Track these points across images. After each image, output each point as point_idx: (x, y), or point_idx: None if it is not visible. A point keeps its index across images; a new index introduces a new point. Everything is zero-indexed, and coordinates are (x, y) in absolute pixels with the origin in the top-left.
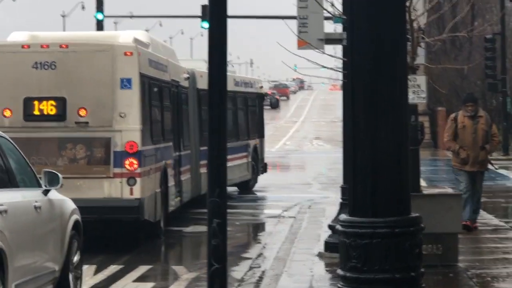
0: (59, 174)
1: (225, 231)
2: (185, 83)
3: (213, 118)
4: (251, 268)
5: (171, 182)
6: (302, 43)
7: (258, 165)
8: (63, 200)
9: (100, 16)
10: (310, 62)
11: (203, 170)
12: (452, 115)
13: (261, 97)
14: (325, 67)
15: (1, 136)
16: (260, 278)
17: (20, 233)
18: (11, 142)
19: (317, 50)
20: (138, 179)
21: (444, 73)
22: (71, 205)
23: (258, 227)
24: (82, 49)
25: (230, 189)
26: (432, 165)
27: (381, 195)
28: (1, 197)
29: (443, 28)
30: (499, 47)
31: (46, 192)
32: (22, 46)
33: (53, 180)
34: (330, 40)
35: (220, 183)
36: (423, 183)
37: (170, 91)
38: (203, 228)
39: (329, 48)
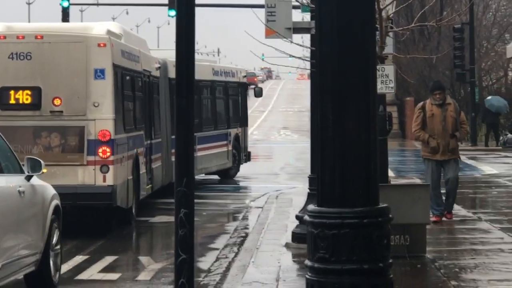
0: (41, 161)
1: (193, 221)
2: (156, 73)
3: (180, 107)
4: (218, 258)
5: (143, 170)
6: (270, 32)
7: (241, 154)
8: (44, 185)
9: (65, 4)
10: (278, 51)
11: (174, 158)
12: (420, 104)
13: (244, 86)
14: (293, 56)
15: None
16: (227, 269)
17: (6, 216)
18: None
19: (285, 39)
20: (111, 167)
21: (413, 63)
22: (52, 191)
23: (225, 217)
24: (57, 40)
25: (207, 177)
26: (400, 155)
27: (349, 185)
28: None
29: (411, 18)
30: (468, 37)
31: (28, 178)
32: None
33: (35, 167)
34: (298, 29)
35: (187, 172)
36: (391, 173)
37: (142, 80)
38: (169, 218)
39: (297, 37)
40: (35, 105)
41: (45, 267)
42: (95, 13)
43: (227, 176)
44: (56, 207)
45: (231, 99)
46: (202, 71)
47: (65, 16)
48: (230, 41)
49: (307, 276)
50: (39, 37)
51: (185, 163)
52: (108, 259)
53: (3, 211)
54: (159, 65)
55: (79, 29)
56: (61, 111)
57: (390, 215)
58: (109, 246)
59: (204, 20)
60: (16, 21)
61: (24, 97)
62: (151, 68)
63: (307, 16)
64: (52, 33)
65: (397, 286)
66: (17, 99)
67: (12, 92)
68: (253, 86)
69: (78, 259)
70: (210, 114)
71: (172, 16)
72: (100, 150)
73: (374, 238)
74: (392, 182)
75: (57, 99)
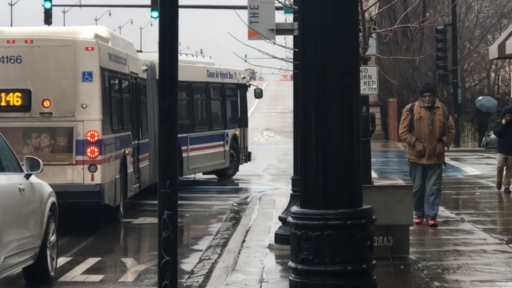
0: (40, 160)
1: (176, 223)
2: (144, 75)
3: (162, 109)
4: (201, 260)
5: (130, 169)
6: (253, 33)
7: (240, 154)
8: (42, 184)
9: (48, 5)
10: (261, 52)
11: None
12: (408, 106)
13: (243, 87)
14: (276, 57)
15: None
16: (210, 271)
17: (8, 212)
18: None
19: (268, 41)
20: (98, 166)
21: (396, 64)
22: (48, 189)
23: (208, 219)
24: (46, 44)
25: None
26: (383, 156)
27: (332, 187)
28: None
29: (394, 19)
30: (450, 38)
31: (27, 176)
32: None
33: (33, 166)
34: (281, 30)
35: (171, 174)
36: (374, 174)
37: (129, 82)
38: (153, 220)
39: (280, 39)
40: (25, 107)
41: (43, 260)
42: (78, 14)
43: (225, 175)
44: (53, 204)
45: (229, 100)
46: (195, 72)
47: (48, 17)
48: (213, 42)
49: (290, 277)
50: (28, 41)
51: (168, 165)
52: (91, 261)
53: (5, 207)
54: (146, 67)
55: (67, 33)
56: (51, 113)
57: (374, 217)
58: (92, 248)
59: (187, 21)
60: (1, 19)
61: (15, 99)
62: (139, 70)
63: (290, 18)
64: (42, 37)
65: (380, 287)
66: (7, 101)
67: (2, 94)
68: (253, 88)
69: (61, 260)
70: (204, 115)
71: (155, 18)
72: (89, 150)
73: (358, 239)
74: (375, 183)
75: (47, 101)
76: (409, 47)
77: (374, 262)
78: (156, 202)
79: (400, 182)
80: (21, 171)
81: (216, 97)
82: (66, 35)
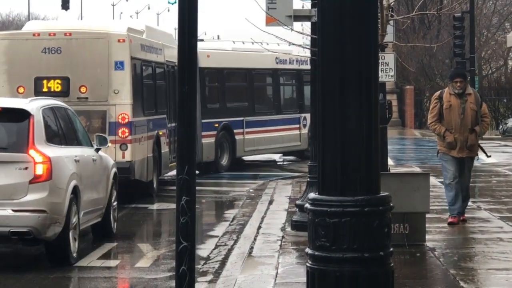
0: (107, 137)
1: (194, 209)
2: None
3: (181, 95)
4: (217, 246)
5: (165, 149)
6: (271, 20)
7: None
8: (107, 157)
9: None
10: (279, 39)
11: (204, 140)
12: (437, 93)
13: None
14: (293, 44)
15: (68, 108)
16: (226, 257)
17: (86, 178)
18: (73, 112)
19: (285, 27)
20: (129, 145)
21: (413, 52)
22: (111, 161)
23: (225, 205)
24: (83, 37)
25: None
26: (399, 144)
27: (350, 174)
28: (75, 151)
29: (411, 6)
30: (468, 25)
31: (97, 150)
32: (33, 34)
33: (101, 142)
34: (299, 17)
35: (189, 160)
36: (390, 162)
37: (165, 70)
38: (168, 205)
39: (297, 25)
40: (64, 92)
41: (107, 219)
42: (95, 0)
43: (303, 157)
44: (115, 173)
45: (307, 86)
46: (260, 60)
47: (65, 3)
48: (231, 29)
49: (307, 264)
50: (68, 34)
51: (187, 150)
52: (108, 246)
53: (84, 174)
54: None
55: (103, 27)
56: (87, 98)
57: (391, 204)
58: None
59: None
60: (18, 5)
61: (55, 85)
62: (176, 59)
63: (307, 4)
64: (79, 31)
65: (396, 275)
66: (49, 88)
67: (45, 81)
68: None
69: (77, 245)
70: (271, 99)
71: (172, 3)
72: (120, 131)
73: (375, 226)
74: (391, 171)
75: (83, 87)
76: (426, 34)
77: (391, 249)
78: (172, 187)
79: (417, 169)
80: (92, 146)
81: (289, 82)
82: (101, 29)
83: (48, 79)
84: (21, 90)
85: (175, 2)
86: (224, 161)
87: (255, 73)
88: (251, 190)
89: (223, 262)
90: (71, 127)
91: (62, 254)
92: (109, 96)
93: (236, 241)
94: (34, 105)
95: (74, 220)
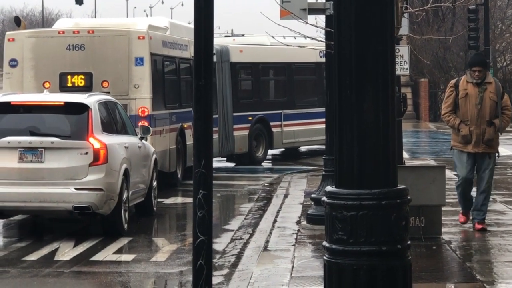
0: (150, 127)
1: (211, 203)
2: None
3: (197, 89)
4: (232, 240)
5: (190, 141)
6: (285, 13)
7: None
8: (149, 145)
9: None
10: (293, 32)
11: (236, 132)
12: (453, 81)
13: None
14: (308, 37)
15: (117, 102)
16: (242, 250)
17: (133, 162)
18: (121, 106)
19: (300, 20)
20: (148, 137)
21: (427, 44)
22: (152, 149)
23: (240, 199)
24: (105, 34)
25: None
26: (414, 136)
27: (367, 167)
28: (125, 139)
29: None
30: (482, 18)
31: (141, 139)
32: (58, 32)
33: (145, 131)
34: (313, 10)
35: (206, 154)
36: (405, 155)
37: (191, 66)
38: (183, 200)
39: (311, 18)
40: (88, 87)
41: (149, 198)
42: None
43: None
44: (155, 160)
45: None
46: (305, 54)
47: None
48: (244, 23)
49: (324, 257)
50: (90, 31)
51: (204, 144)
52: (123, 240)
53: (132, 159)
54: (213, 52)
55: (124, 24)
56: (108, 92)
57: (408, 197)
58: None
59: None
60: (30, 2)
61: (79, 80)
62: None
63: None
64: (101, 28)
65: (413, 268)
66: (73, 82)
67: (69, 76)
68: None
69: (92, 240)
70: (312, 93)
71: None
72: (140, 123)
73: (393, 219)
74: (406, 164)
75: (105, 82)
76: (440, 27)
77: (409, 242)
78: (187, 182)
79: (432, 162)
80: (136, 134)
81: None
82: (122, 26)
83: (72, 74)
84: (47, 85)
85: None
86: (260, 153)
87: (295, 67)
88: (266, 184)
89: (238, 256)
90: (120, 118)
91: (115, 226)
92: (130, 91)
93: (251, 235)
94: (92, 100)
95: (124, 198)
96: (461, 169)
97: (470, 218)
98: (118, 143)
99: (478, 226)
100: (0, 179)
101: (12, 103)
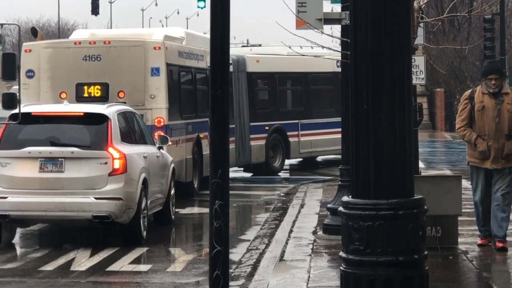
0: (168, 137)
1: (227, 213)
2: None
3: (214, 99)
4: (248, 250)
5: (206, 151)
6: (301, 23)
7: None
8: (167, 154)
9: None
10: (309, 42)
11: (253, 142)
12: (467, 93)
13: None
14: (324, 47)
15: (135, 112)
16: (258, 260)
17: (152, 171)
18: (139, 116)
19: (315, 30)
20: (165, 147)
21: (443, 54)
22: (170, 158)
23: (256, 209)
24: (121, 45)
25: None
26: (430, 146)
27: (384, 177)
28: (143, 149)
29: (441, 9)
30: (498, 27)
31: (159, 148)
32: (75, 43)
33: (163, 141)
34: (329, 20)
35: (222, 164)
36: (421, 164)
37: (207, 76)
38: (199, 210)
39: (326, 28)
40: (104, 97)
41: (167, 207)
42: (124, 5)
43: None
44: (173, 169)
45: None
46: (322, 64)
47: (95, 8)
48: (260, 32)
49: (341, 267)
50: (107, 42)
51: (220, 154)
52: (139, 251)
53: (151, 168)
54: (230, 62)
55: (140, 35)
56: (125, 102)
57: (425, 207)
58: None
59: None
60: (48, 11)
61: (95, 91)
62: None
63: (336, 7)
64: (117, 39)
65: (429, 278)
66: (89, 93)
67: (85, 87)
68: None
69: (109, 250)
70: (329, 102)
71: (202, 8)
72: (156, 133)
73: (409, 229)
74: (422, 174)
75: (121, 92)
76: (456, 36)
77: (425, 252)
78: (203, 192)
79: (448, 172)
80: (154, 144)
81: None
82: (138, 37)
83: (89, 85)
84: (63, 95)
85: (204, 7)
86: (277, 163)
87: (312, 77)
88: (282, 194)
89: (255, 266)
90: (139, 128)
91: (134, 235)
92: (146, 101)
93: (267, 245)
94: (111, 110)
95: (143, 207)
96: (480, 187)
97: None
98: (137, 152)
99: (499, 245)
100: (21, 188)
101: (32, 113)
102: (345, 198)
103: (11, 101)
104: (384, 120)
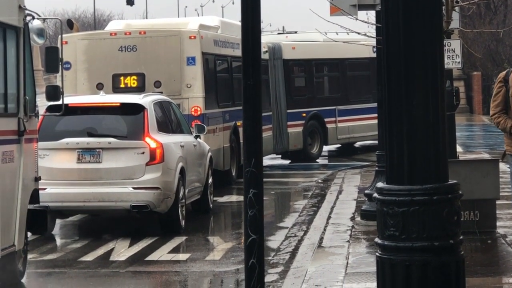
0: (204, 126)
1: (262, 201)
2: (265, 56)
3: (246, 89)
4: (287, 237)
5: None
6: (335, 10)
7: None
8: (204, 143)
9: None
10: (344, 28)
11: (290, 129)
12: (501, 74)
13: None
14: (358, 33)
15: (171, 102)
16: (296, 248)
17: (189, 160)
18: (176, 105)
19: (350, 16)
20: (202, 136)
21: (479, 37)
22: (207, 147)
23: (294, 196)
24: (157, 35)
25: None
26: (467, 130)
27: (418, 162)
28: (180, 138)
29: None
30: None
31: (196, 137)
32: (110, 34)
33: (200, 129)
34: (363, 6)
35: (255, 153)
36: (459, 149)
37: None
38: (237, 198)
39: (361, 14)
40: (140, 87)
41: (205, 196)
42: None
43: None
44: (210, 157)
45: None
46: (359, 50)
47: None
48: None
49: (377, 254)
50: (142, 32)
51: (254, 143)
52: (177, 240)
53: (188, 157)
54: (266, 49)
55: (175, 24)
56: (161, 92)
57: (460, 192)
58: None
59: None
60: (83, 2)
61: (132, 81)
62: None
63: None
64: (153, 29)
65: (468, 262)
66: (126, 84)
67: (122, 78)
68: None
69: (147, 239)
70: (367, 88)
71: None
72: (193, 123)
73: (444, 214)
74: (460, 158)
75: (158, 82)
76: (492, 19)
77: (461, 237)
78: (241, 180)
79: (486, 156)
80: (191, 133)
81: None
82: (174, 27)
83: (125, 75)
84: (100, 86)
85: None
86: (315, 149)
87: (348, 63)
88: (319, 180)
89: (293, 253)
90: (175, 117)
91: (172, 224)
92: (182, 90)
93: (306, 232)
94: (147, 100)
95: (181, 196)
96: None
97: None
98: (174, 142)
99: None
100: (59, 179)
101: (69, 105)
102: (380, 184)
103: (55, 92)
104: (417, 105)
